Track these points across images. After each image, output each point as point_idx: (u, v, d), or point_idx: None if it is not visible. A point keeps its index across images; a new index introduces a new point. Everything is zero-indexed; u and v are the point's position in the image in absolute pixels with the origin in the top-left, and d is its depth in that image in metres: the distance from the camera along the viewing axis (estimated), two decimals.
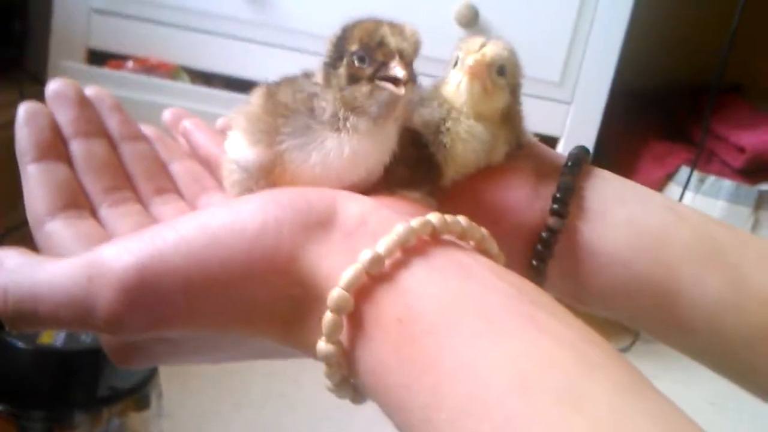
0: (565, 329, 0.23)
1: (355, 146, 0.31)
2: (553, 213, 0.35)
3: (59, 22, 1.10)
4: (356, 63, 0.31)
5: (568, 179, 0.35)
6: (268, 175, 0.33)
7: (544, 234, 0.35)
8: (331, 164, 0.31)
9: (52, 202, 0.32)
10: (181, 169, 0.40)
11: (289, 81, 0.34)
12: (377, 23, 0.31)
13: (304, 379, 1.04)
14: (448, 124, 0.34)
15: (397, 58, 0.30)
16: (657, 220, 0.35)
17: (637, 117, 1.52)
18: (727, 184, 1.30)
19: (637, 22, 1.20)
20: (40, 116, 0.35)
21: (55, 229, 0.32)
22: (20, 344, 0.67)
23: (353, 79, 0.31)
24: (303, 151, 0.32)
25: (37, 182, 0.33)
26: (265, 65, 1.15)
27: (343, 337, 0.26)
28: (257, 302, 0.27)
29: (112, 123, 0.38)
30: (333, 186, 0.31)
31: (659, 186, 1.36)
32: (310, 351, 0.27)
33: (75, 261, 0.27)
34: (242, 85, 1.08)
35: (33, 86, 1.36)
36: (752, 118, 1.41)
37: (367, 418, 0.98)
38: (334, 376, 0.26)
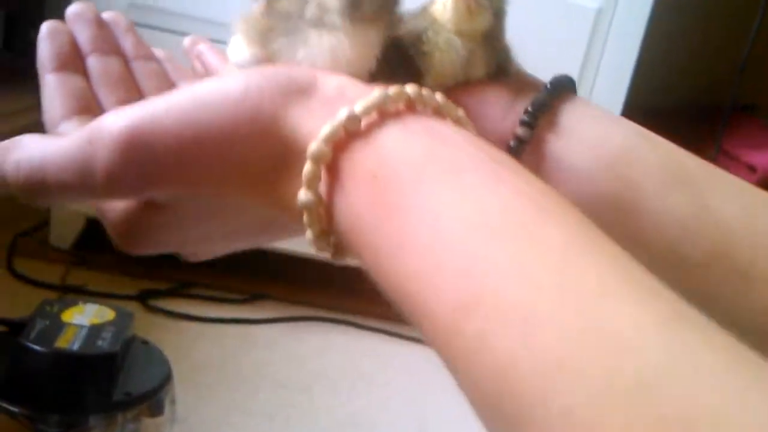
0: (526, 185, 0.25)
1: (335, 44, 0.33)
2: (522, 123, 0.36)
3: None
4: None
5: (543, 96, 0.37)
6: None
7: (512, 143, 0.36)
8: (315, 61, 0.33)
9: (67, 106, 0.35)
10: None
11: None
12: None
13: (316, 389, 1.04)
14: (429, 33, 0.36)
15: None
16: (625, 140, 0.36)
17: None
18: None
19: (650, 42, 1.20)
20: (60, 32, 0.38)
21: (68, 128, 0.34)
22: (37, 347, 0.67)
23: None
24: (291, 48, 0.34)
25: (54, 90, 0.36)
26: None
27: (322, 190, 0.28)
28: (242, 161, 0.29)
29: (127, 43, 0.41)
30: None
31: None
32: (294, 209, 0.28)
33: (80, 131, 0.29)
34: None
35: None
36: (764, 137, 1.42)
37: (380, 429, 0.99)
38: (314, 226, 0.28)
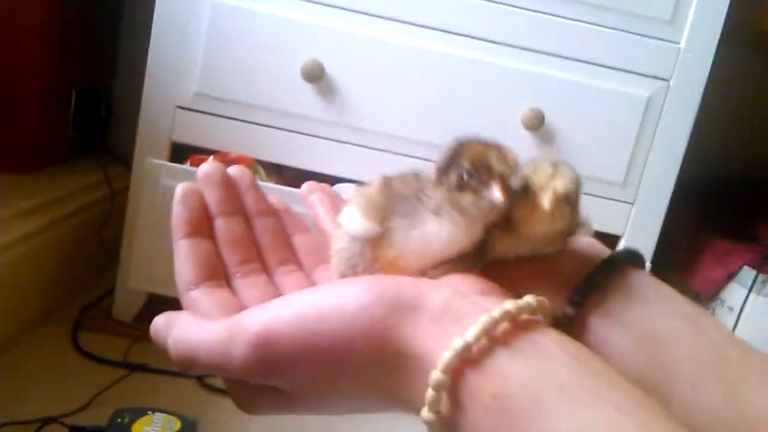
0: (622, 396, 0.29)
1: (451, 232, 0.39)
2: (570, 302, 0.39)
3: (147, 115, 1.17)
4: (464, 176, 0.38)
5: (595, 274, 0.40)
6: (374, 247, 0.40)
7: (561, 320, 0.39)
8: (430, 241, 0.39)
9: (197, 273, 0.41)
10: (301, 241, 0.48)
11: (402, 175, 0.42)
12: (486, 148, 0.39)
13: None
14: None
15: (498, 180, 0.38)
16: (668, 325, 0.38)
17: (701, 212, 1.52)
18: None
19: (703, 114, 1.21)
20: (192, 196, 0.43)
21: (198, 296, 0.40)
22: None
23: (460, 186, 0.39)
24: (408, 227, 0.39)
25: (185, 255, 0.41)
26: (334, 159, 1.20)
27: (443, 406, 0.32)
28: (355, 368, 0.34)
29: (249, 200, 0.46)
30: (425, 259, 0.39)
31: (720, 286, 1.35)
32: (410, 410, 0.33)
33: (222, 324, 0.35)
34: (313, 179, 1.13)
35: (117, 167, 1.44)
36: None
37: None
38: None
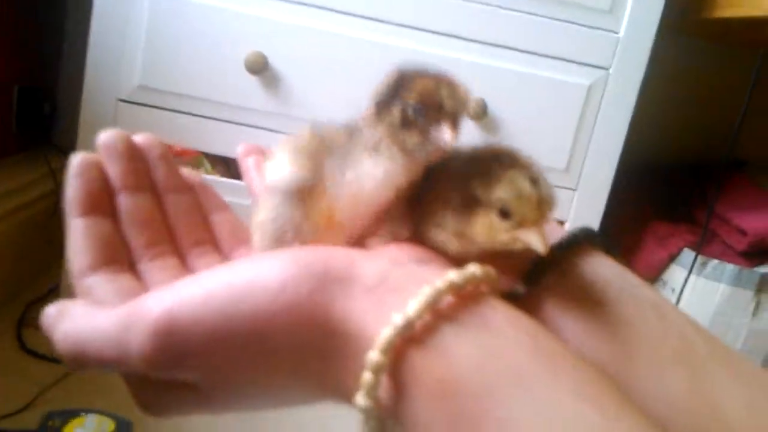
0: (583, 382, 0.26)
1: (389, 170, 0.35)
2: (525, 278, 0.36)
3: (88, 109, 1.15)
4: (410, 113, 0.34)
5: (552, 252, 0.35)
6: (304, 204, 0.36)
7: (508, 296, 0.35)
8: (364, 183, 0.35)
9: (94, 257, 0.35)
10: (220, 220, 0.43)
11: (333, 126, 0.38)
12: (437, 83, 0.35)
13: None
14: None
15: (449, 122, 0.34)
16: (630, 309, 0.35)
17: (642, 196, 1.55)
18: (730, 267, 1.32)
19: (644, 101, 1.23)
20: (90, 169, 0.37)
21: (96, 283, 0.34)
22: None
23: (405, 124, 0.34)
24: (341, 169, 0.35)
25: (81, 236, 0.35)
26: None
27: (382, 391, 0.28)
28: (280, 353, 0.29)
29: (159, 173, 0.40)
30: (360, 206, 0.35)
31: (661, 267, 1.39)
32: (344, 397, 0.29)
33: (117, 311, 0.30)
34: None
35: (62, 161, 1.41)
36: (756, 199, 1.44)
37: None
38: (369, 423, 0.28)
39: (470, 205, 0.34)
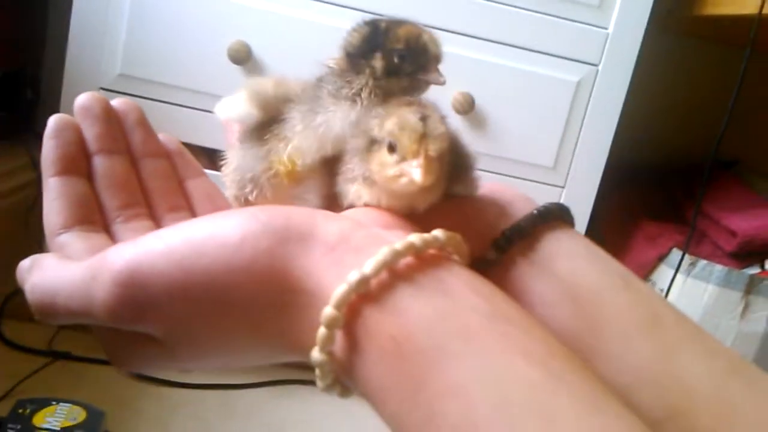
0: (534, 345, 0.26)
1: (361, 117, 0.35)
2: (494, 246, 0.36)
3: (68, 98, 1.14)
4: (396, 59, 0.35)
5: (524, 222, 0.37)
6: (267, 152, 0.36)
7: (478, 263, 0.35)
8: (333, 127, 0.35)
9: (68, 215, 0.36)
10: (196, 186, 0.43)
11: (302, 81, 0.38)
12: (417, 28, 0.36)
13: None
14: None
15: (434, 65, 0.35)
16: (599, 280, 0.35)
17: (631, 194, 1.54)
18: (719, 268, 1.31)
19: (632, 100, 1.22)
20: (66, 129, 0.37)
21: (69, 240, 0.35)
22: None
23: (390, 71, 0.35)
24: (307, 117, 0.35)
25: (56, 195, 0.36)
26: None
27: (337, 347, 0.28)
28: (239, 308, 0.29)
29: (136, 138, 0.41)
30: (322, 151, 0.35)
31: (650, 267, 1.38)
32: (302, 354, 0.30)
33: (85, 263, 0.31)
34: None
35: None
36: (745, 199, 1.43)
37: None
38: (326, 379, 0.29)
39: (371, 147, 0.35)
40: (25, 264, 0.34)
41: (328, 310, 0.27)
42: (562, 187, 1.25)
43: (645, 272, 1.40)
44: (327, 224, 0.30)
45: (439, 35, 0.36)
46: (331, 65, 0.37)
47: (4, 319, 1.18)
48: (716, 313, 1.33)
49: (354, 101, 0.35)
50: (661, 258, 1.38)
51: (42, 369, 1.07)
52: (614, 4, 1.18)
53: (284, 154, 0.36)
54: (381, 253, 0.28)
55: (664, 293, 1.34)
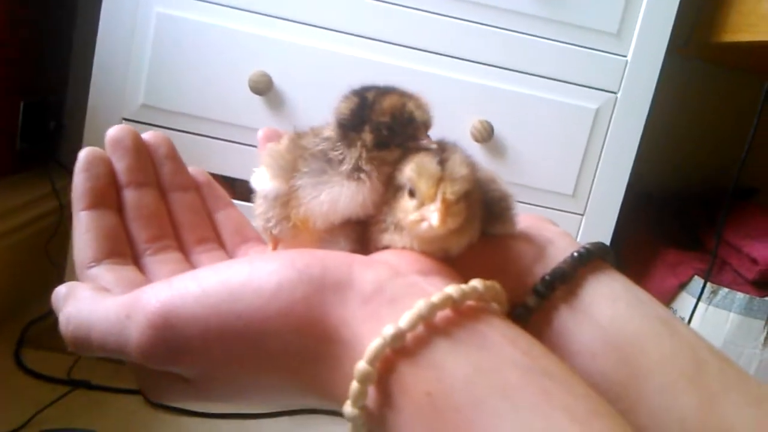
0: (576, 402, 0.25)
1: (366, 193, 0.35)
2: (534, 292, 0.35)
3: (91, 128, 1.15)
4: (384, 132, 0.35)
5: (564, 266, 0.36)
6: (285, 204, 0.37)
7: (518, 310, 0.35)
8: (337, 203, 0.35)
9: (97, 249, 0.36)
10: (224, 217, 0.43)
11: (311, 131, 0.39)
12: (402, 98, 0.36)
13: None
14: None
15: (423, 131, 0.35)
16: (641, 326, 0.34)
17: (652, 222, 1.53)
18: (740, 296, 1.30)
19: (651, 127, 1.22)
20: (97, 163, 0.38)
21: (99, 274, 0.35)
22: None
23: (380, 144, 0.35)
24: (315, 189, 0.36)
25: (86, 229, 0.36)
26: None
27: (371, 401, 0.28)
28: (273, 355, 0.29)
29: (165, 171, 0.41)
30: (332, 218, 0.35)
31: (672, 295, 1.37)
32: (336, 403, 0.29)
33: (120, 299, 0.31)
34: None
35: (67, 180, 1.41)
36: (766, 227, 1.41)
37: None
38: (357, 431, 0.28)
39: (395, 194, 0.35)
40: (61, 291, 0.33)
41: (361, 365, 0.27)
42: (582, 215, 1.24)
43: (666, 300, 1.38)
44: (363, 272, 0.30)
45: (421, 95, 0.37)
46: (326, 135, 0.38)
47: (24, 348, 1.19)
48: (738, 342, 1.32)
49: (356, 179, 0.36)
50: (682, 286, 1.36)
51: (61, 398, 1.07)
52: (633, 31, 1.19)
53: (299, 213, 0.37)
54: (417, 307, 0.27)
55: (686, 321, 1.32)
